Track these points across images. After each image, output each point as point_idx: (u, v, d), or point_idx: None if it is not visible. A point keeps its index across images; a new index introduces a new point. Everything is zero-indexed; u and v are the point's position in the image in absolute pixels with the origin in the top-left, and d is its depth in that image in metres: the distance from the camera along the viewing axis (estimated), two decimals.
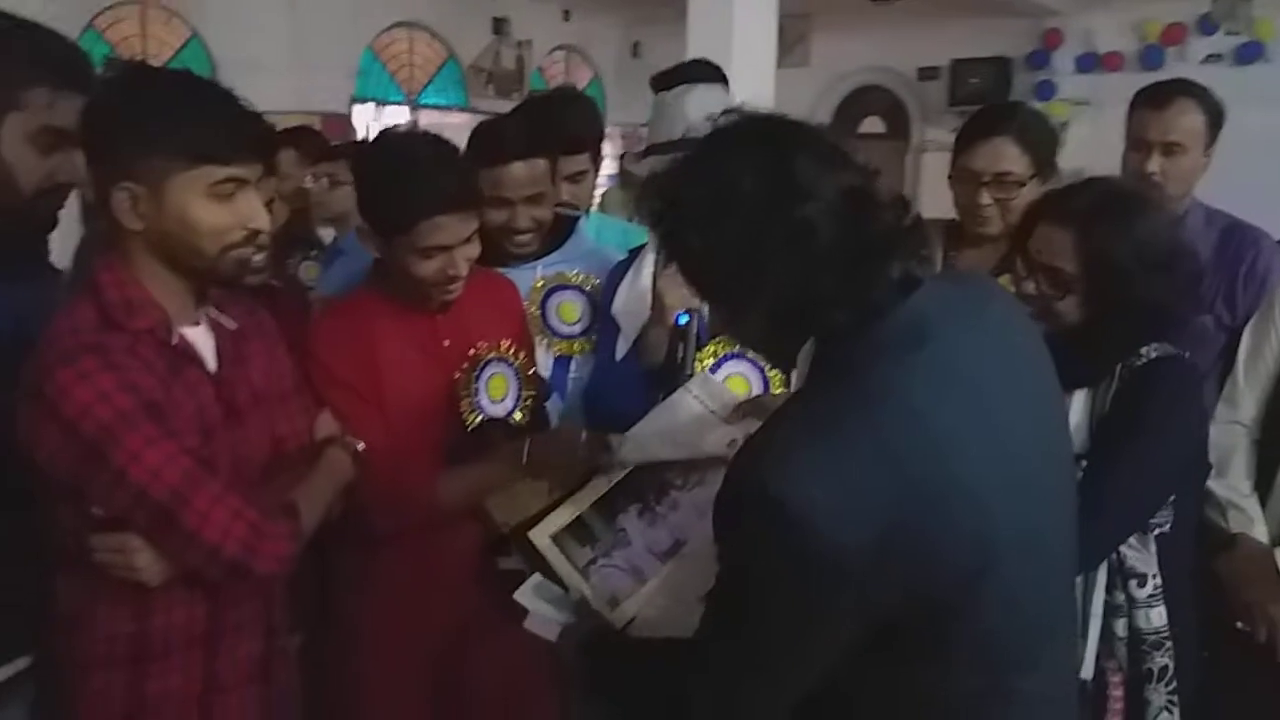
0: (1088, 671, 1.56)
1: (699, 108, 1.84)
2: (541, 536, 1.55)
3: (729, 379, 1.83)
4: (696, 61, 2.20)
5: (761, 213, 1.04)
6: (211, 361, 1.53)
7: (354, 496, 1.69)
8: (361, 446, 1.72)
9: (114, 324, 1.43)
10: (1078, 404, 1.61)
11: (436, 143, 1.83)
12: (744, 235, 1.05)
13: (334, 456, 1.68)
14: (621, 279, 2.03)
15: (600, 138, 2.66)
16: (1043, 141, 2.05)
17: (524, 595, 1.47)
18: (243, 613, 1.56)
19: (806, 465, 0.99)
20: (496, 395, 1.89)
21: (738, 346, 1.83)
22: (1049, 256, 1.60)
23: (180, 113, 1.41)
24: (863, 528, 0.97)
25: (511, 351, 1.91)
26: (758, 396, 1.76)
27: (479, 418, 1.85)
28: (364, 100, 8.11)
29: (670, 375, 1.81)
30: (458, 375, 1.86)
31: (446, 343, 1.89)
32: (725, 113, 1.14)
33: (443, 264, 1.77)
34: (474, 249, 1.81)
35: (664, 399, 1.70)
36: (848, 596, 1.01)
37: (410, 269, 1.78)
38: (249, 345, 1.61)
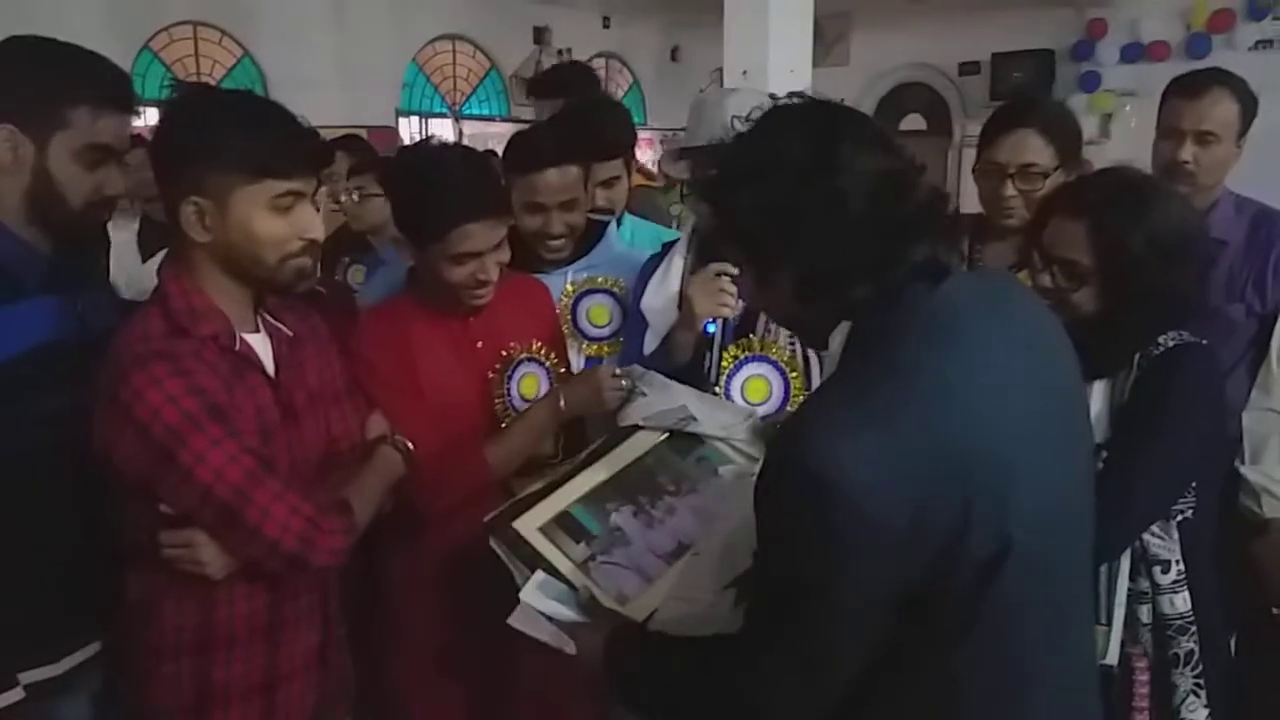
0: (1113, 657, 1.56)
1: (738, 108, 1.88)
2: (529, 529, 1.54)
3: (749, 380, 1.87)
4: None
5: (802, 177, 1.12)
6: (270, 366, 1.62)
7: (403, 491, 1.76)
8: (411, 445, 1.79)
9: (181, 330, 1.51)
10: (1098, 394, 1.61)
11: (465, 153, 1.92)
12: (784, 195, 1.13)
13: (385, 454, 1.76)
14: (653, 274, 2.07)
15: (634, 143, 2.73)
16: (1067, 133, 2.06)
17: (530, 594, 1.44)
18: (301, 605, 1.64)
19: (843, 440, 1.03)
20: (529, 394, 1.97)
21: (759, 348, 1.87)
22: (1063, 249, 1.60)
23: (243, 131, 1.49)
24: (897, 502, 1.02)
25: (543, 352, 1.98)
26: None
27: (512, 418, 1.92)
28: (409, 113, 8.25)
29: (695, 380, 1.85)
30: (491, 375, 1.94)
31: (480, 344, 1.96)
32: (790, 94, 1.23)
33: (473, 269, 1.85)
34: (504, 254, 1.88)
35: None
36: (884, 570, 1.05)
37: (442, 274, 1.86)
38: (304, 350, 1.70)
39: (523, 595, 1.44)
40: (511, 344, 1.97)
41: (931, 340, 1.11)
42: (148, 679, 1.57)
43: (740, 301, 1.92)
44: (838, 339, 1.18)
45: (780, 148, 1.15)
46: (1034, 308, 1.26)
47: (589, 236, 2.27)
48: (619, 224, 2.56)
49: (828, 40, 8.31)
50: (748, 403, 1.86)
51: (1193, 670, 1.59)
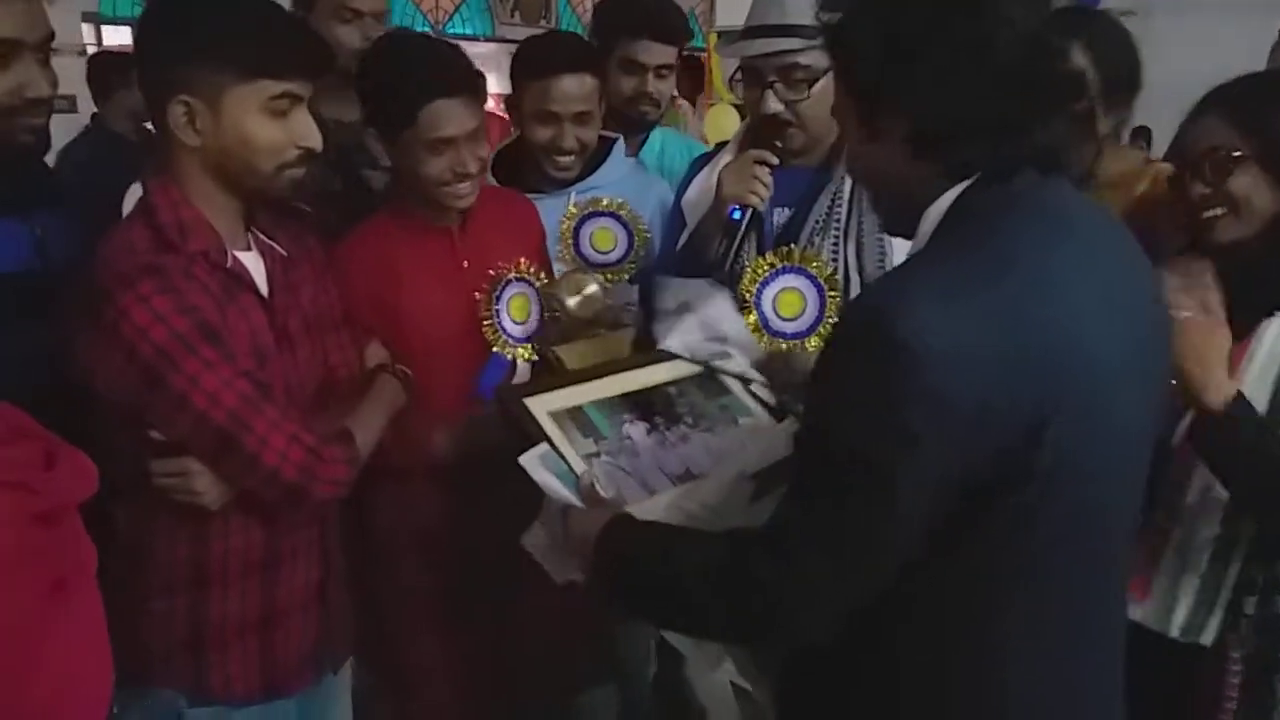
0: (1208, 638, 1.47)
1: None
2: (540, 409, 1.46)
3: (782, 293, 1.77)
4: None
5: (948, 12, 1.02)
6: (263, 286, 1.52)
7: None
8: (410, 373, 1.71)
9: (169, 245, 1.41)
10: (1271, 336, 1.45)
11: (432, 38, 1.84)
12: (923, 31, 1.02)
13: (385, 383, 1.67)
14: (699, 172, 1.98)
15: (688, 39, 2.57)
16: (1115, 59, 1.84)
17: (530, 461, 1.37)
18: (299, 539, 1.56)
19: (931, 314, 0.96)
20: (518, 316, 1.87)
21: (798, 260, 1.76)
22: (1205, 140, 1.46)
23: (238, 26, 1.39)
24: (971, 385, 0.96)
25: (532, 271, 1.88)
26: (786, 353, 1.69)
27: (504, 340, 1.83)
28: None
29: (719, 270, 1.76)
30: (478, 296, 1.83)
31: (465, 263, 1.86)
32: None
33: (450, 161, 1.74)
34: (482, 148, 1.78)
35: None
36: (945, 457, 0.98)
37: (419, 169, 1.75)
38: (298, 271, 1.60)
39: (522, 460, 1.37)
40: (500, 263, 1.86)
41: (1039, 230, 1.04)
42: (138, 618, 1.48)
43: (779, 210, 1.81)
44: (928, 223, 1.08)
45: None
46: (1128, 237, 1.17)
47: (595, 156, 2.16)
48: (648, 137, 2.46)
49: None
50: (780, 317, 1.76)
51: None
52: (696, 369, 1.61)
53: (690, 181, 2.00)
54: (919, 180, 1.09)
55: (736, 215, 1.77)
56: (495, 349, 1.83)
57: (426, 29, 8.38)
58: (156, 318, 1.34)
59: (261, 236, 1.55)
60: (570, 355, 1.69)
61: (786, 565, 1.05)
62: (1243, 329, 1.45)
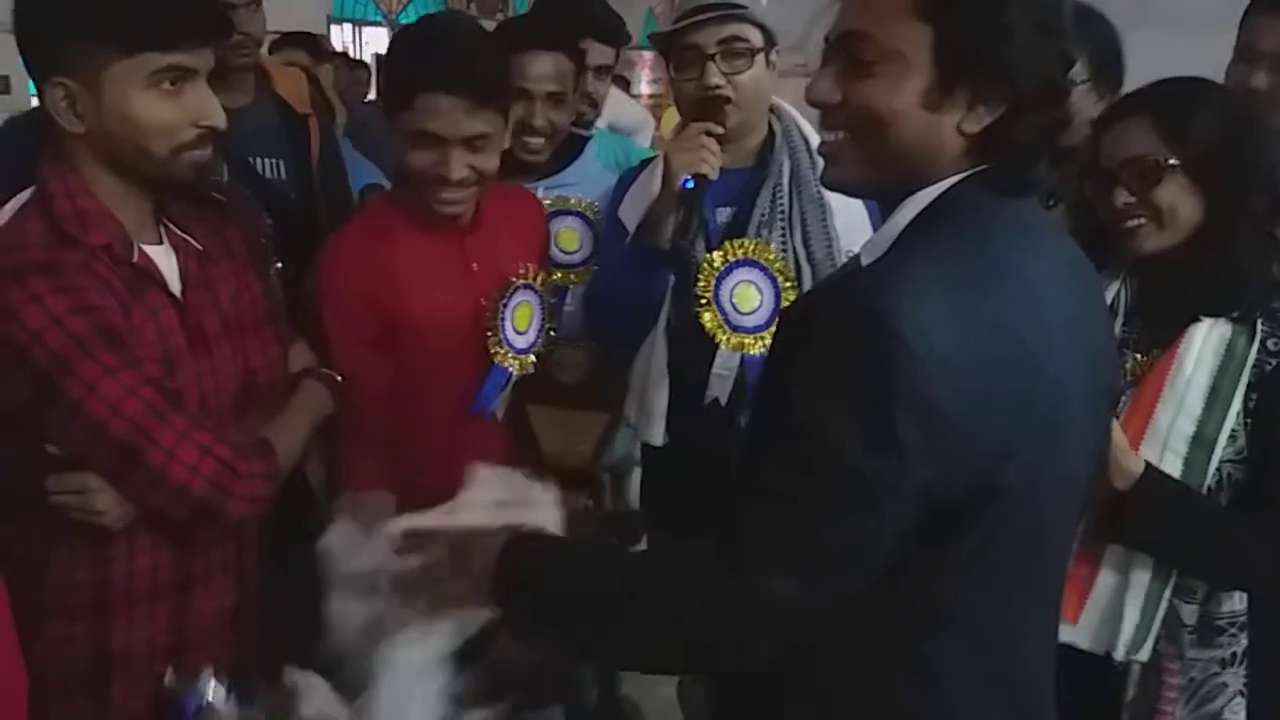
0: (1145, 654, 1.45)
1: None
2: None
3: (738, 287, 1.74)
4: None
5: (1062, 24, 1.02)
6: (175, 284, 1.40)
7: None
8: (340, 378, 1.60)
9: (67, 239, 1.29)
10: (1199, 341, 1.44)
11: (465, 22, 1.73)
12: (1051, 33, 1.01)
13: (311, 389, 1.56)
14: (630, 185, 1.92)
15: (627, 41, 2.59)
16: (1098, 46, 1.86)
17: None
18: (212, 559, 1.45)
19: (934, 315, 0.93)
20: (521, 326, 1.76)
21: (751, 252, 1.74)
22: (1125, 149, 1.43)
23: None
24: (962, 394, 0.93)
25: (538, 279, 1.79)
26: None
27: (505, 352, 1.72)
28: (341, 20, 7.84)
29: (678, 247, 1.72)
30: (484, 303, 1.71)
31: (475, 266, 1.73)
32: None
33: (435, 159, 1.61)
34: (483, 159, 1.64)
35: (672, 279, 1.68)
36: (929, 461, 0.93)
37: (405, 159, 1.65)
38: (216, 267, 1.48)
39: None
40: (514, 268, 1.74)
41: (1020, 239, 1.03)
42: (32, 646, 1.34)
43: (721, 210, 1.79)
44: (906, 211, 1.03)
45: None
46: (1081, 254, 1.15)
47: (567, 152, 2.10)
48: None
49: None
50: (737, 310, 1.73)
51: (1240, 667, 1.49)
52: None
53: (619, 198, 1.93)
54: (946, 157, 1.03)
55: (690, 185, 1.71)
56: (496, 360, 1.72)
57: (379, 19, 8.23)
58: (51, 319, 1.22)
59: (174, 229, 1.43)
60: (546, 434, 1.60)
61: (745, 579, 0.95)
62: (1167, 338, 1.46)
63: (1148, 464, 1.41)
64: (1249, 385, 1.42)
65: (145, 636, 1.39)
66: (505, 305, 1.72)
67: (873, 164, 1.06)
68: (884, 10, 1.00)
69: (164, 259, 1.39)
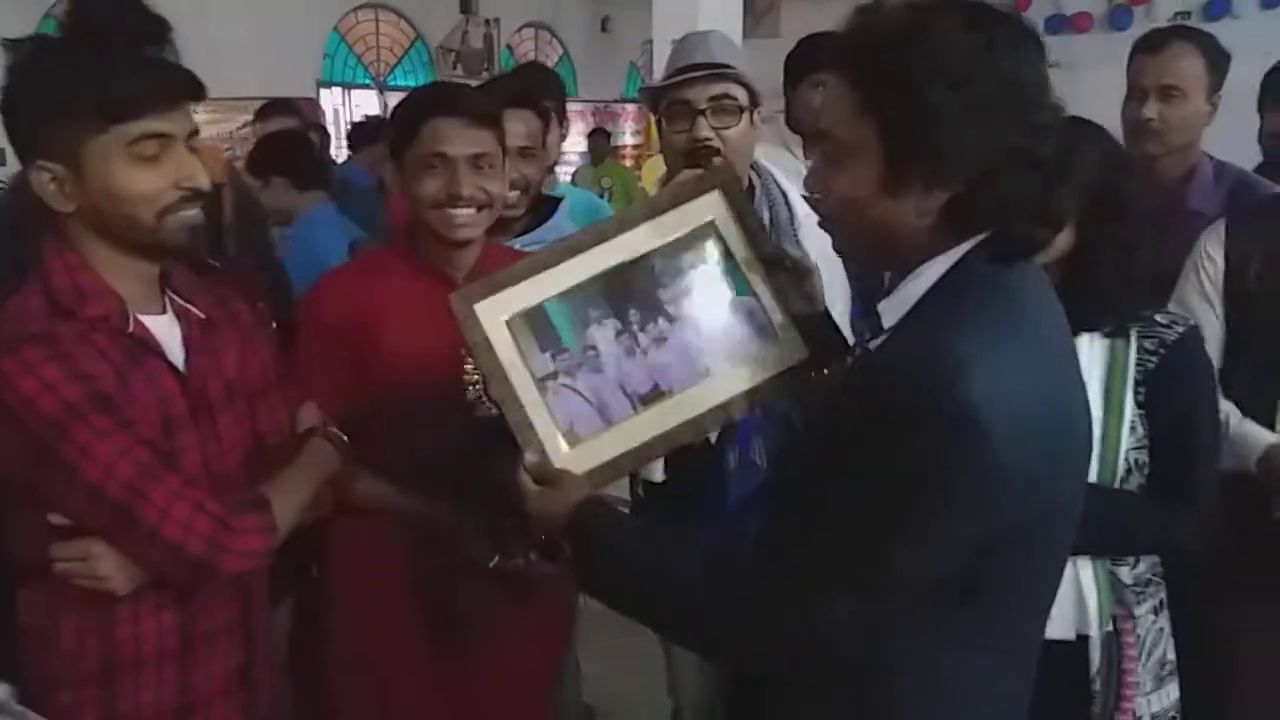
0: (1108, 622, 1.59)
1: (720, 45, 1.90)
2: (496, 317, 1.34)
3: None
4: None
5: (1016, 98, 1.04)
6: (178, 352, 1.43)
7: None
8: (346, 438, 1.61)
9: (64, 312, 1.33)
10: (1086, 350, 1.56)
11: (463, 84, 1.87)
12: (991, 110, 1.02)
13: (316, 447, 1.57)
14: None
15: (561, 111, 2.62)
16: None
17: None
18: (217, 620, 1.46)
19: (992, 385, 0.99)
20: None
21: None
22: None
23: (75, 73, 1.30)
24: (1021, 457, 1.00)
25: None
26: None
27: (482, 399, 1.73)
28: (331, 84, 7.95)
29: None
30: (464, 350, 1.72)
31: None
32: None
33: (446, 181, 1.69)
34: (490, 181, 1.73)
35: None
36: (982, 518, 1.02)
37: (416, 190, 1.72)
38: (220, 336, 1.51)
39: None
40: None
41: (1036, 302, 1.12)
42: (43, 712, 1.36)
43: None
44: (921, 281, 1.09)
45: (995, 53, 1.03)
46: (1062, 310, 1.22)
47: (541, 212, 2.19)
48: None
49: (757, 11, 8.19)
50: None
51: (1167, 611, 1.65)
52: (707, 219, 1.43)
53: None
54: (924, 235, 1.08)
55: None
56: (470, 395, 1.74)
57: (368, 82, 8.35)
58: (45, 387, 1.25)
59: (177, 299, 1.46)
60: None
61: (798, 589, 1.05)
62: None
63: None
64: (1136, 382, 1.59)
65: (152, 700, 1.40)
66: None
67: (860, 243, 1.15)
68: (842, 110, 1.09)
69: (166, 328, 1.42)
